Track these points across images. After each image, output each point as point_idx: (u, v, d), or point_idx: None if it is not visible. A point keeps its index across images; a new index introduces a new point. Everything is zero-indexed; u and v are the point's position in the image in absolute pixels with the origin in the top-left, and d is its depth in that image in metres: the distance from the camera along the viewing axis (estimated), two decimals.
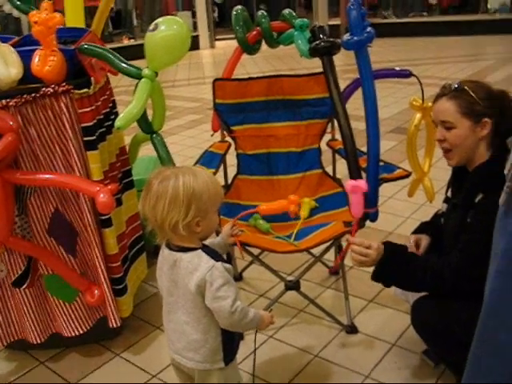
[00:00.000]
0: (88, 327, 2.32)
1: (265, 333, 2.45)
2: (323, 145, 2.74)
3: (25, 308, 2.26)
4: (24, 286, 2.22)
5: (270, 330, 2.47)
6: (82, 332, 2.31)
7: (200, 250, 1.60)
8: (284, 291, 2.40)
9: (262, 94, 2.69)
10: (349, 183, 1.89)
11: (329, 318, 2.46)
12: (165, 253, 1.65)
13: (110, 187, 1.94)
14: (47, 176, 2.03)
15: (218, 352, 1.66)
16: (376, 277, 1.94)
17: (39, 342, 2.32)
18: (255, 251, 2.36)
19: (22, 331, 2.34)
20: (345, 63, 7.39)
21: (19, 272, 2.20)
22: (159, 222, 1.54)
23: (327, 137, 2.75)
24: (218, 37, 12.04)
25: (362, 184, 1.87)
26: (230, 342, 1.68)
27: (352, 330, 2.42)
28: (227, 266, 1.60)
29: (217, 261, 1.58)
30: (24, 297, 2.24)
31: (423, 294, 1.99)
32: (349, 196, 1.90)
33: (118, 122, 1.90)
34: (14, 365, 2.45)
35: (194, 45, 11.97)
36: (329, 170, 2.73)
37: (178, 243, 1.61)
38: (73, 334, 2.31)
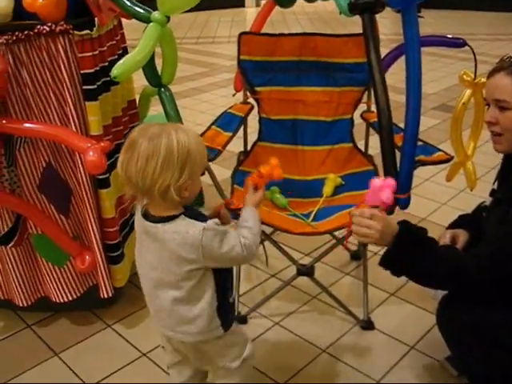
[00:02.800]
0: (78, 294, 2.14)
1: (271, 318, 2.23)
2: (356, 116, 2.45)
3: (11, 268, 2.07)
4: (10, 245, 2.02)
5: (277, 316, 2.25)
6: (71, 299, 2.13)
7: (182, 216, 1.41)
8: (295, 276, 2.16)
9: (293, 54, 2.40)
10: (374, 183, 1.59)
11: (343, 309, 2.22)
12: (145, 224, 1.44)
13: (102, 144, 1.71)
14: (34, 126, 1.81)
15: (213, 319, 1.51)
16: (385, 261, 1.63)
17: (26, 305, 2.15)
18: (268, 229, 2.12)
19: (8, 292, 2.16)
20: (392, 32, 7.02)
21: (6, 229, 2.01)
22: (147, 186, 1.34)
23: (361, 108, 2.46)
24: None
25: (389, 183, 1.57)
26: (225, 306, 1.53)
27: (367, 325, 2.17)
28: (215, 220, 1.44)
29: (202, 221, 1.41)
30: (11, 256, 2.06)
31: None
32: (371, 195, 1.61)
33: (114, 70, 1.66)
34: (0, 324, 2.29)
35: (239, 2, 11.62)
36: (360, 144, 2.45)
37: (158, 212, 1.41)
38: (62, 300, 2.13)
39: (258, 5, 11.46)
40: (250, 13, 10.68)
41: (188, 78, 5.92)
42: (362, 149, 2.43)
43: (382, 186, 1.54)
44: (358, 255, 2.57)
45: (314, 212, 2.16)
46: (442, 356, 1.97)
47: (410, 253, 1.59)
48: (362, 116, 2.44)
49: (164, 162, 1.32)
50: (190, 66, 6.47)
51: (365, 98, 2.41)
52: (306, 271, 2.11)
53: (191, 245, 1.38)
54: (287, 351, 2.09)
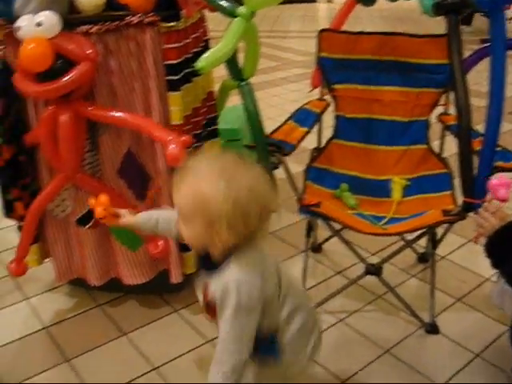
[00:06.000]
0: (149, 278, 2.20)
1: (336, 315, 2.24)
2: (432, 118, 2.41)
3: (87, 249, 2.16)
4: (88, 226, 2.10)
5: (341, 313, 2.25)
6: (142, 282, 2.19)
7: None
8: (363, 275, 2.16)
9: (373, 53, 2.38)
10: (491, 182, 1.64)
11: (408, 311, 2.20)
12: None
13: (183, 138, 1.75)
14: (120, 115, 1.87)
15: None
16: (488, 247, 1.65)
17: (98, 284, 2.23)
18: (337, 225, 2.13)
19: (82, 271, 2.25)
20: (473, 30, 6.84)
21: (84, 211, 2.09)
22: None
23: (438, 110, 2.42)
24: None
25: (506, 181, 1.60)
26: None
27: (432, 329, 2.15)
28: None
29: None
30: (87, 236, 2.14)
31: None
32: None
33: (199, 63, 1.70)
34: (73, 302, 2.39)
35: None
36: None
37: None
38: (132, 283, 2.20)
39: (329, 0, 11.38)
40: (322, 8, 10.61)
41: (260, 72, 5.93)
42: (436, 151, 2.40)
43: (499, 184, 1.59)
44: (425, 257, 2.54)
45: (386, 219, 2.15)
46: (508, 367, 1.93)
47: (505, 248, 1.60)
48: (438, 118, 2.40)
49: None
50: (262, 60, 6.47)
51: (442, 101, 2.38)
52: (375, 270, 2.10)
53: None
54: (350, 349, 2.09)
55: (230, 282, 1.26)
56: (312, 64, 2.64)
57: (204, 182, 1.21)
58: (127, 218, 1.60)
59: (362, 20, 9.04)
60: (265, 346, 1.44)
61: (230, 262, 1.29)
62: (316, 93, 2.57)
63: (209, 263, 1.33)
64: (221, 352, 1.33)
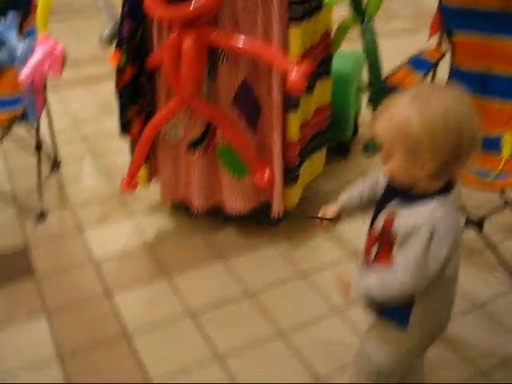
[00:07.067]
0: (250, 208, 2.27)
1: None
2: None
3: (194, 173, 2.24)
4: (197, 150, 2.18)
5: None
6: (243, 211, 2.27)
7: None
8: (463, 227, 2.14)
9: (496, 3, 2.29)
10: None
11: (506, 270, 2.17)
12: None
13: (305, 66, 1.77)
14: (242, 41, 1.91)
15: None
16: None
17: (201, 209, 2.32)
18: None
19: (187, 194, 2.34)
20: None
21: (196, 135, 2.17)
22: None
23: None
24: None
25: None
26: None
27: None
28: None
29: None
30: (195, 161, 2.22)
31: None
32: None
33: None
34: (175, 224, 2.52)
35: None
36: None
37: None
38: (234, 211, 2.27)
39: None
40: None
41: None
42: None
43: None
44: None
45: (494, 175, 2.11)
46: None
47: None
48: None
49: None
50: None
51: None
52: (477, 223, 2.08)
53: None
54: None
55: (427, 218, 1.17)
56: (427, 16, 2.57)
57: (399, 110, 1.15)
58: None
59: None
60: (395, 308, 1.33)
61: (431, 197, 1.20)
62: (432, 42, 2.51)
63: (406, 195, 1.23)
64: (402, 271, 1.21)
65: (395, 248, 1.22)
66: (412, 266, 1.18)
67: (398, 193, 1.25)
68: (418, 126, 1.11)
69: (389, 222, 1.25)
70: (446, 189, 1.21)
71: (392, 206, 1.26)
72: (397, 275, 1.21)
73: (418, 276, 1.19)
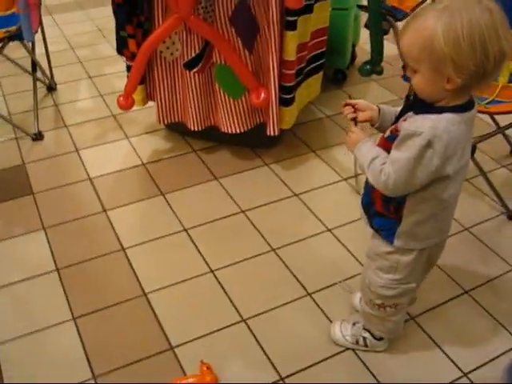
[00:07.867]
0: (246, 128, 2.28)
1: None
2: None
3: (191, 93, 2.24)
4: (194, 70, 2.18)
5: None
6: (239, 131, 2.28)
7: None
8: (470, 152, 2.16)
9: None
10: None
11: (495, 197, 2.21)
12: None
13: None
14: None
15: None
16: None
17: (197, 129, 2.33)
18: None
19: (183, 115, 2.35)
20: None
21: (193, 55, 2.16)
22: None
23: None
24: None
25: None
26: None
27: None
28: None
29: None
30: (192, 81, 2.21)
31: None
32: None
33: None
34: (169, 145, 2.53)
35: None
36: None
37: None
38: (230, 131, 2.28)
39: None
40: None
41: None
42: None
43: None
44: None
45: (488, 100, 2.11)
46: None
47: None
48: None
49: None
50: None
51: None
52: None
53: None
54: None
55: (428, 127, 1.17)
56: None
57: (426, 23, 1.12)
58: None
59: None
60: (385, 219, 1.38)
61: (445, 110, 1.19)
62: None
63: (423, 105, 1.22)
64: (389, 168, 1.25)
65: (394, 144, 1.25)
66: (400, 166, 1.21)
67: (417, 104, 1.25)
68: (443, 39, 1.09)
69: (397, 126, 1.28)
70: (465, 106, 1.21)
71: (409, 115, 1.27)
72: (385, 166, 1.25)
73: (402, 176, 1.22)
